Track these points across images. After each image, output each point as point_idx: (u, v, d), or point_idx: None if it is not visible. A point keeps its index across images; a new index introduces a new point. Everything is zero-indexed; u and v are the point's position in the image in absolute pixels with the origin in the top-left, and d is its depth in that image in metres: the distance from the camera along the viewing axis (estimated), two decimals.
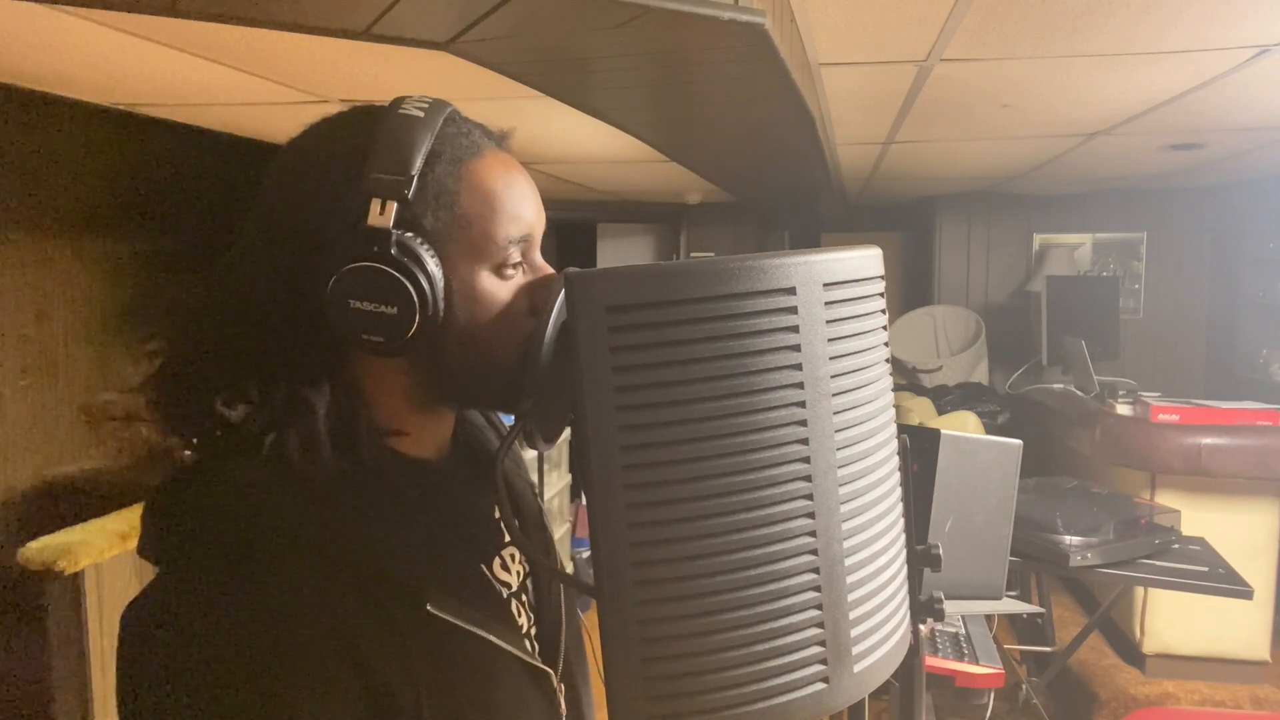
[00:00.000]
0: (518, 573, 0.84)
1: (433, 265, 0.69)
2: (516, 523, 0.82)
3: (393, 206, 0.68)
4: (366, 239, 0.67)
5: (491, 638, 0.73)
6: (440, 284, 0.69)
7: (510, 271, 0.74)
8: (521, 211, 0.75)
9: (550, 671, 0.81)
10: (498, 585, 0.80)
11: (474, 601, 0.74)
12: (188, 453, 0.71)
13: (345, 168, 0.69)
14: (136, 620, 0.66)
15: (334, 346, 0.71)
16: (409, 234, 0.68)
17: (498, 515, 0.85)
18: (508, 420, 0.76)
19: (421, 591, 0.68)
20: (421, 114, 0.72)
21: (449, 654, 0.69)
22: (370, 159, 0.69)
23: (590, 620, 0.72)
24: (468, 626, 0.71)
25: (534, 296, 0.75)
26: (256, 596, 0.63)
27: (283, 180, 0.73)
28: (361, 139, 0.70)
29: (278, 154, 0.75)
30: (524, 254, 0.76)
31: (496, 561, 0.82)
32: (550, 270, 0.78)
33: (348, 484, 0.70)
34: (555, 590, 0.88)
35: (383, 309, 0.67)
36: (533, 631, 0.84)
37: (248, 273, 0.71)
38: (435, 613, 0.68)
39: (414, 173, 0.68)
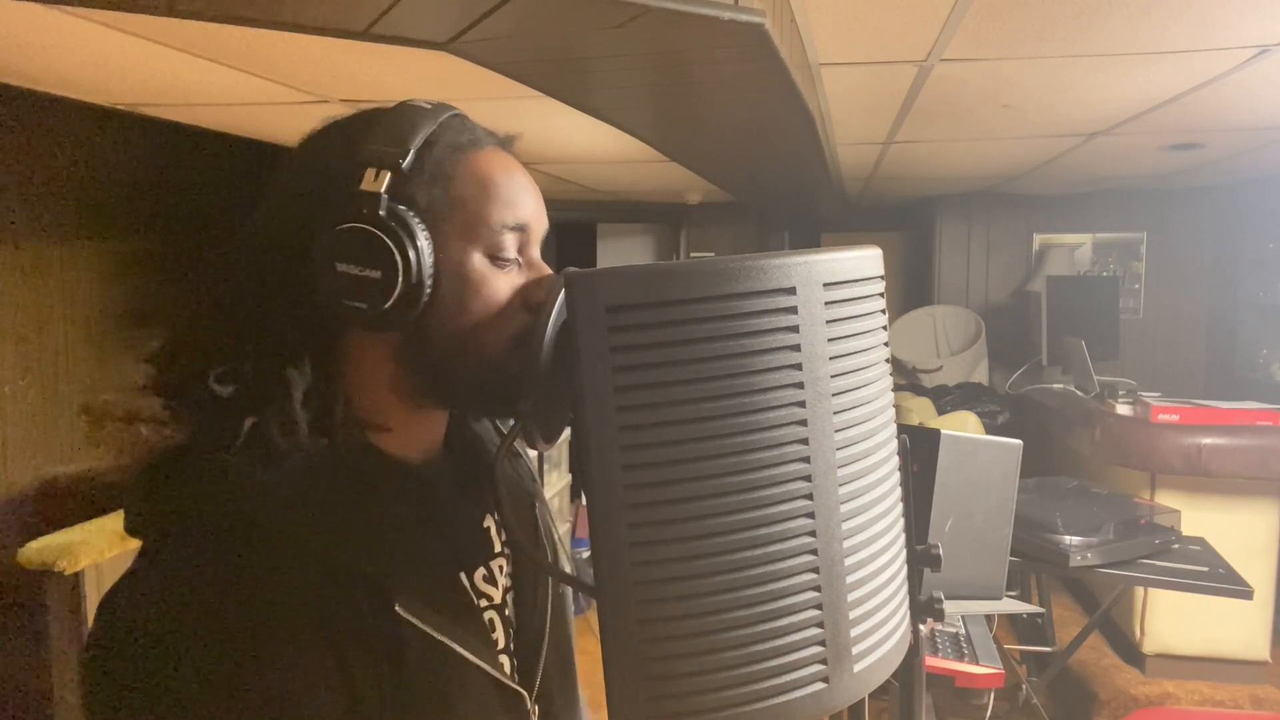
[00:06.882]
0: (504, 586, 0.82)
1: (422, 238, 0.70)
2: (512, 521, 0.81)
3: (386, 175, 0.69)
4: (358, 202, 0.68)
5: (458, 648, 0.71)
6: (428, 257, 0.70)
7: (504, 261, 0.74)
8: (519, 201, 0.75)
9: (523, 692, 0.79)
10: (475, 596, 0.78)
11: (445, 610, 0.72)
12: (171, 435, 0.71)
13: (346, 145, 0.72)
14: (117, 607, 0.65)
15: (324, 323, 0.71)
16: (402, 206, 0.69)
17: (486, 524, 0.83)
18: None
19: (390, 590, 0.67)
20: (428, 107, 0.75)
21: (413, 659, 0.68)
22: (370, 136, 0.71)
23: (590, 620, 0.72)
24: (435, 634, 0.69)
25: (528, 294, 0.75)
26: (238, 582, 0.63)
27: (290, 167, 0.76)
28: (365, 124, 0.73)
29: (292, 149, 0.77)
30: (521, 249, 0.76)
31: (480, 573, 0.80)
32: (548, 270, 0.77)
33: (324, 475, 0.69)
34: (541, 609, 0.85)
35: (367, 272, 0.68)
36: (510, 648, 0.82)
37: (252, 246, 0.73)
38: (402, 614, 0.67)
39: (411, 147, 0.70)
